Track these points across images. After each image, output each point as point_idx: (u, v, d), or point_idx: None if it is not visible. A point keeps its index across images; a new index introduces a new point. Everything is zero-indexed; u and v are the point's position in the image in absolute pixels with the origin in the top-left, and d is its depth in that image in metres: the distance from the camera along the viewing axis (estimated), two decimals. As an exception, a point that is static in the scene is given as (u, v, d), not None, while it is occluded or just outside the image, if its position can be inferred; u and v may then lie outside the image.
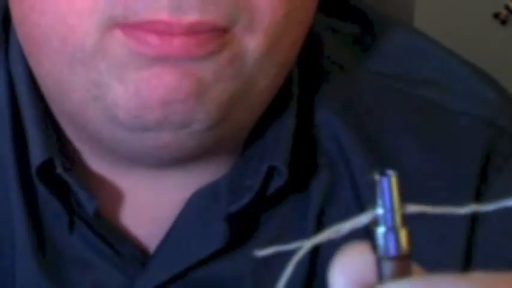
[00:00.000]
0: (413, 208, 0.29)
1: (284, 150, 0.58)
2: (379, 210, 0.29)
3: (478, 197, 0.62)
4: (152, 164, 0.57)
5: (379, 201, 0.29)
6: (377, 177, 0.28)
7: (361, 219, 0.29)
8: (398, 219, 0.29)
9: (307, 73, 0.63)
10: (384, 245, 0.29)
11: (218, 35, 0.51)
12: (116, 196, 0.59)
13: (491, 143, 0.63)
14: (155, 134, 0.52)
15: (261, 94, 0.55)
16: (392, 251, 0.29)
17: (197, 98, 0.51)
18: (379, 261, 0.29)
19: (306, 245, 0.29)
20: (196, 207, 0.59)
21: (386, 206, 0.28)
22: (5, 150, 0.58)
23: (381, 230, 0.29)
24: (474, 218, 0.61)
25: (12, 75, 0.59)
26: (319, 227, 0.60)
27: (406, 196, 0.59)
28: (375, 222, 0.29)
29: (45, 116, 0.58)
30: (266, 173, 0.57)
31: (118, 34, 0.50)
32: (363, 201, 0.60)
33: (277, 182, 0.58)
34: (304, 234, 0.59)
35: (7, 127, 0.58)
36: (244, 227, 0.59)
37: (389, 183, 0.28)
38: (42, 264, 0.58)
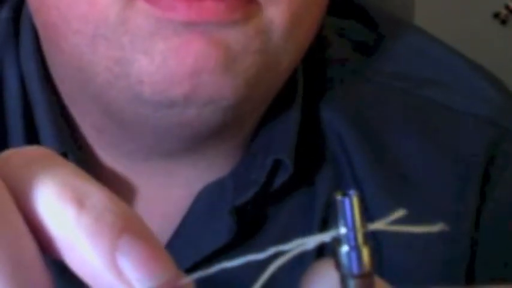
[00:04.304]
0: (375, 226, 0.29)
1: (289, 144, 0.59)
2: (342, 230, 0.29)
3: (483, 197, 0.62)
4: (172, 147, 0.57)
5: (342, 221, 0.29)
6: (339, 197, 0.29)
7: (324, 237, 0.29)
8: (360, 237, 0.29)
9: (313, 72, 0.63)
10: (347, 264, 0.29)
11: (245, 2, 0.51)
12: (128, 191, 0.60)
13: (495, 143, 0.63)
14: (180, 110, 0.52)
15: (281, 74, 0.55)
16: (355, 269, 0.29)
17: (225, 68, 0.51)
18: (343, 279, 0.30)
19: (276, 262, 0.30)
20: (204, 203, 0.59)
21: (349, 225, 0.29)
22: (17, 146, 0.59)
23: (344, 249, 0.29)
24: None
25: (24, 73, 0.59)
26: (325, 221, 0.61)
27: (410, 196, 0.60)
28: (337, 241, 0.29)
29: (58, 111, 0.58)
30: (271, 167, 0.58)
31: (140, 5, 0.50)
32: (365, 200, 0.61)
33: (282, 176, 0.58)
34: (311, 229, 0.59)
35: (19, 125, 0.59)
36: (251, 222, 0.60)
37: (351, 203, 0.29)
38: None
